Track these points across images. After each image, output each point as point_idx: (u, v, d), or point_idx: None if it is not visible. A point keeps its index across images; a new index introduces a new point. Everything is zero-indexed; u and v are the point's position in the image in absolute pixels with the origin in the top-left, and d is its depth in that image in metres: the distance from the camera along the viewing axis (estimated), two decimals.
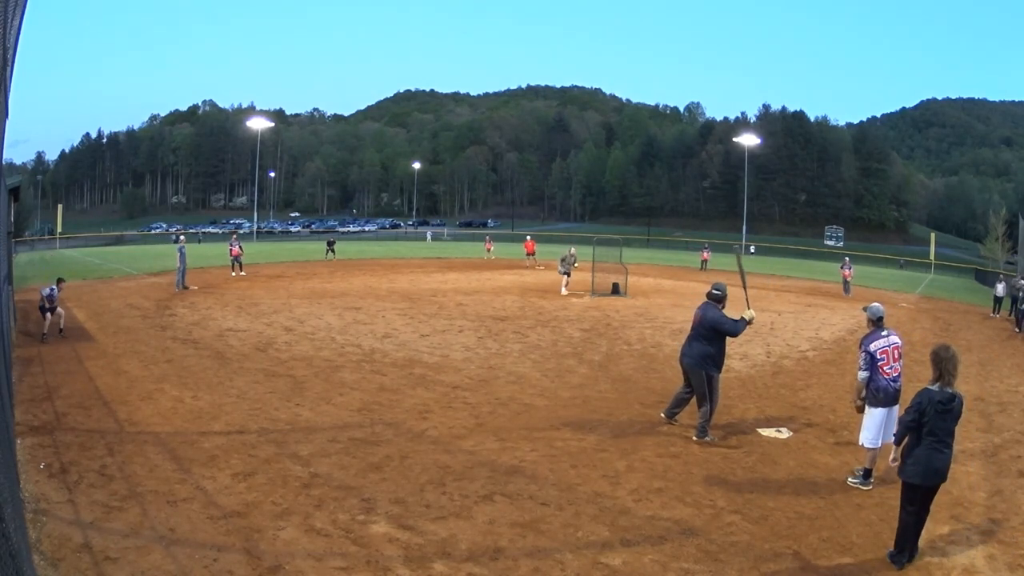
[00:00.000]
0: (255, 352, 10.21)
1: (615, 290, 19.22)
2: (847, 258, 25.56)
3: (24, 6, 4.26)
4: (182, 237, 21.42)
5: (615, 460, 6.10)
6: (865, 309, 6.07)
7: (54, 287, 11.33)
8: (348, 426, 6.83)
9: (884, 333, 5.76)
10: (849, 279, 23.54)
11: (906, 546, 4.32)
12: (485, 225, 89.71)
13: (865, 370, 5.66)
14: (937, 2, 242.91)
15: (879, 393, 5.62)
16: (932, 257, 47.72)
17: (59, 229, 47.29)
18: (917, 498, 4.31)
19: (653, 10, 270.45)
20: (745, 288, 7.27)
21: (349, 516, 4.76)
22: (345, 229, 76.63)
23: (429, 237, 59.11)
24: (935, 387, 4.27)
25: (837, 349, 12.24)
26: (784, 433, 7.11)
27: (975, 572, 4.30)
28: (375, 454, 6.03)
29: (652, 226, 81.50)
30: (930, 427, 4.20)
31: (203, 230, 61.64)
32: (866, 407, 5.71)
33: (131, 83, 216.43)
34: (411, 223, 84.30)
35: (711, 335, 6.67)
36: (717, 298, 6.82)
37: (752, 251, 53.63)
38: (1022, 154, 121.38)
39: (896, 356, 5.70)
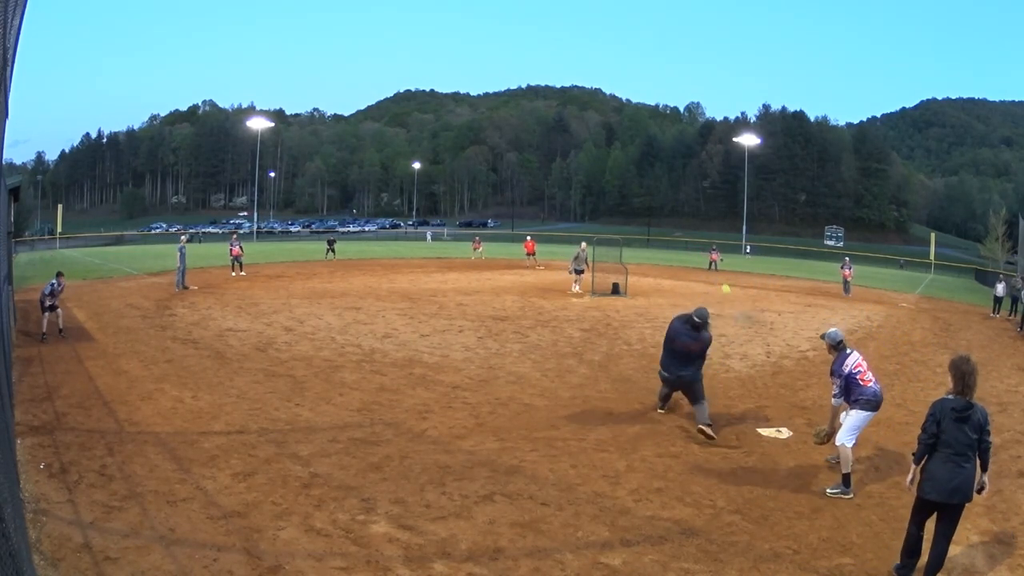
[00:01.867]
0: (255, 352, 10.21)
1: (615, 290, 19.23)
2: (847, 258, 25.51)
3: (24, 6, 4.26)
4: (183, 237, 21.44)
5: (615, 460, 6.10)
6: (823, 337, 6.12)
7: (55, 281, 11.32)
8: (348, 426, 6.83)
9: (848, 352, 5.86)
10: (849, 279, 23.54)
11: (912, 559, 4.14)
12: (485, 225, 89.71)
13: (840, 396, 5.74)
14: (937, 2, 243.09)
15: (871, 398, 5.64)
16: (932, 257, 47.68)
17: (59, 229, 47.28)
18: (927, 513, 4.08)
19: (653, 10, 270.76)
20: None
21: (349, 516, 4.76)
22: (345, 229, 76.61)
23: (429, 237, 59.08)
24: (951, 397, 4.06)
25: None
26: (784, 433, 7.11)
27: (975, 572, 4.30)
28: (375, 454, 6.03)
29: (652, 226, 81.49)
30: (946, 438, 3.96)
31: (203, 230, 61.70)
32: (852, 409, 5.70)
33: (131, 83, 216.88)
34: (411, 223, 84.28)
35: (703, 353, 7.07)
36: (703, 325, 7.00)
37: (748, 251, 53.49)
38: (1022, 154, 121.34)
39: (867, 365, 5.83)
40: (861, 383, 5.66)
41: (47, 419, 6.73)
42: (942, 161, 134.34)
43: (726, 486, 5.60)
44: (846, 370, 5.70)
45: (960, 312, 20.62)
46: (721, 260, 33.89)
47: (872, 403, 5.65)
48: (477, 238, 38.34)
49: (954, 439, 3.96)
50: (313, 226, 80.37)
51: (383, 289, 19.03)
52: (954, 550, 4.56)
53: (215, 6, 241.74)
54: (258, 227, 62.53)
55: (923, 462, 4.09)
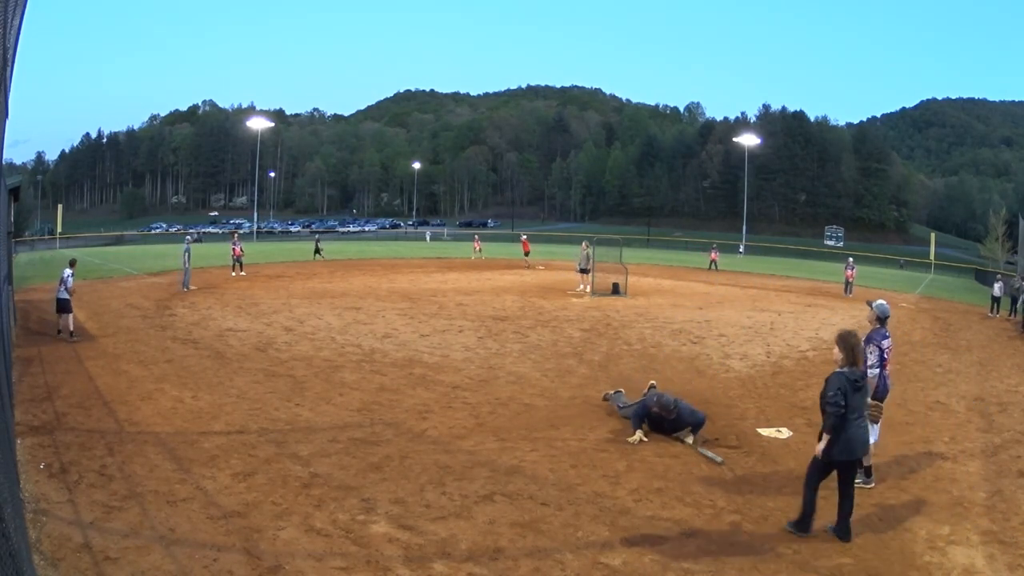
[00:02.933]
0: (255, 352, 10.21)
1: (615, 290, 19.23)
2: (851, 259, 25.46)
3: (24, 6, 4.26)
4: (188, 237, 21.45)
5: (615, 460, 6.10)
6: (871, 305, 6.01)
7: (70, 271, 11.39)
8: (348, 426, 6.83)
9: (887, 333, 5.84)
10: (852, 280, 23.54)
11: (811, 519, 4.65)
12: (485, 225, 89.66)
13: (876, 366, 5.67)
14: (937, 2, 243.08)
15: (881, 390, 5.67)
16: (932, 257, 47.68)
17: (59, 229, 47.32)
18: (827, 475, 4.63)
19: (653, 10, 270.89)
20: None
21: (349, 516, 4.76)
22: (345, 229, 76.62)
23: (428, 237, 59.03)
24: (847, 370, 4.59)
25: None
26: (784, 433, 7.11)
27: (975, 572, 4.30)
28: (375, 454, 6.03)
29: (652, 226, 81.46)
30: (851, 405, 4.49)
31: (202, 230, 61.72)
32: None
33: (131, 83, 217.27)
34: (411, 223, 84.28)
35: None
36: (673, 410, 6.75)
37: (741, 251, 53.34)
38: (1022, 154, 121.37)
39: (889, 359, 5.85)
40: (883, 368, 5.69)
41: (47, 419, 6.73)
42: (942, 161, 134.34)
43: (726, 486, 5.59)
44: (883, 345, 5.71)
45: (960, 312, 20.63)
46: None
47: (882, 395, 5.70)
48: (477, 237, 38.24)
49: (857, 405, 4.55)
50: (313, 226, 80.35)
51: (383, 289, 19.03)
52: (954, 550, 4.57)
53: (215, 6, 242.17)
54: (258, 227, 62.53)
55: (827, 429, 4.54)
